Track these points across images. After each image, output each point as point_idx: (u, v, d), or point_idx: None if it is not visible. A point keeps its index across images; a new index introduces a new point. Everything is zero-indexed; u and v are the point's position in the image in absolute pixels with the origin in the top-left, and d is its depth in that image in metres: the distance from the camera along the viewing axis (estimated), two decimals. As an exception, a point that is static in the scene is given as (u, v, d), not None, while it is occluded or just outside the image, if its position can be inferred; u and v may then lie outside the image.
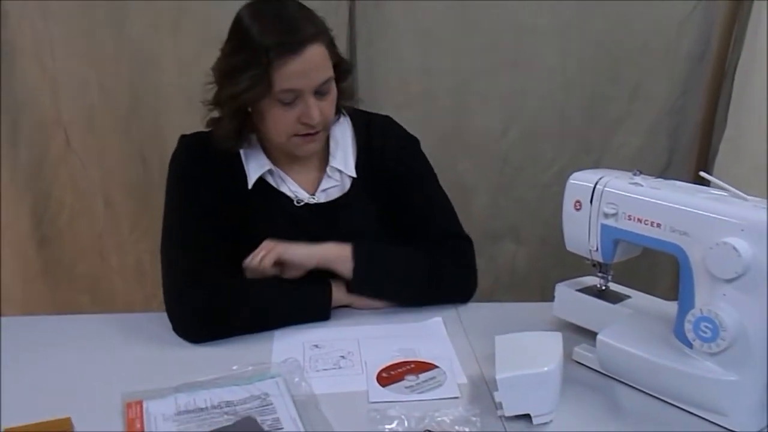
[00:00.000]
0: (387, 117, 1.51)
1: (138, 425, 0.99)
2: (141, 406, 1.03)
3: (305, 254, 1.32)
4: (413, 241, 1.40)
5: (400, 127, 1.49)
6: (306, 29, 1.24)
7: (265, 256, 1.29)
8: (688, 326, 1.00)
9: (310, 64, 1.25)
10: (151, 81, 1.86)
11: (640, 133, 1.97)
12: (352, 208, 1.41)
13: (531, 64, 1.91)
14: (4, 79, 1.81)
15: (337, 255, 1.33)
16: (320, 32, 1.27)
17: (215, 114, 1.34)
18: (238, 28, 1.28)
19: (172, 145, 1.40)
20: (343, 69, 1.36)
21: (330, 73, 1.29)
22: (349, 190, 1.41)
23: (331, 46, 1.30)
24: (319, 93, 1.28)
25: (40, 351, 1.23)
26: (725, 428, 0.99)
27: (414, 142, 1.49)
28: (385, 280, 1.36)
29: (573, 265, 1.24)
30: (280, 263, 1.31)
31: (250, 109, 1.31)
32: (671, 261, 1.04)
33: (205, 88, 1.32)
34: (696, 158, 2.01)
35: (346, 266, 1.32)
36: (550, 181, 2.02)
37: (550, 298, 1.26)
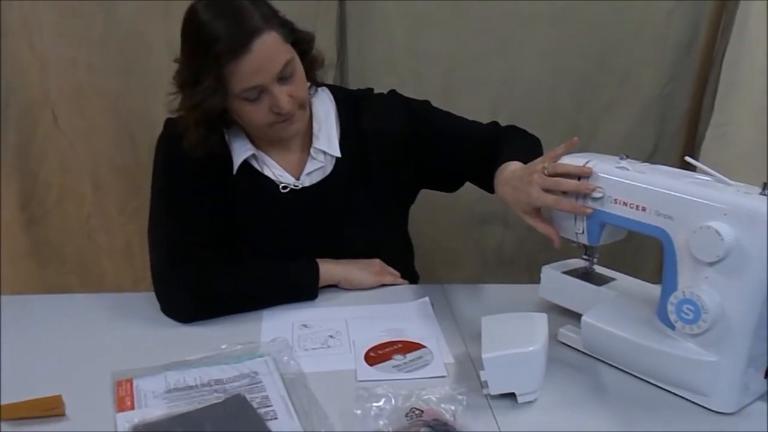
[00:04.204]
0: (367, 89, 1.51)
1: (128, 402, 1.00)
2: (131, 384, 1.04)
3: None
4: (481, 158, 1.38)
5: (380, 93, 1.49)
6: (250, 21, 1.20)
7: None
8: (670, 308, 1.02)
9: (262, 58, 1.21)
10: (141, 62, 1.84)
11: (628, 119, 1.98)
12: (337, 190, 1.40)
13: (521, 50, 1.91)
14: (-7, 60, 1.80)
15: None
16: (266, 19, 1.22)
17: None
18: (187, 33, 1.25)
19: (161, 126, 1.40)
20: (304, 41, 1.32)
21: (287, 55, 1.25)
22: (334, 170, 1.40)
23: (281, 27, 1.25)
24: (283, 78, 1.25)
25: (30, 329, 1.24)
26: (706, 408, 1.01)
27: (393, 93, 1.49)
28: None
29: (560, 249, 1.26)
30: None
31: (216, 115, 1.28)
32: (656, 244, 1.05)
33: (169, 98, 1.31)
34: (683, 145, 2.03)
35: None
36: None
37: (537, 280, 1.28)
